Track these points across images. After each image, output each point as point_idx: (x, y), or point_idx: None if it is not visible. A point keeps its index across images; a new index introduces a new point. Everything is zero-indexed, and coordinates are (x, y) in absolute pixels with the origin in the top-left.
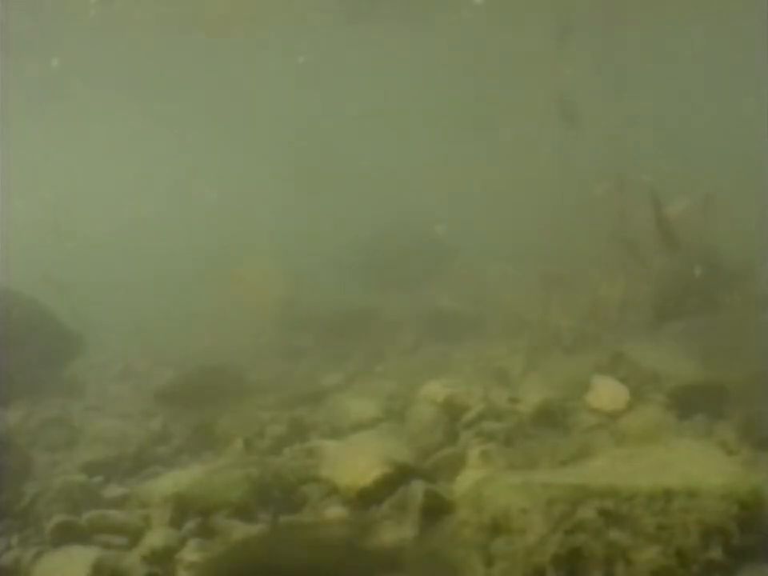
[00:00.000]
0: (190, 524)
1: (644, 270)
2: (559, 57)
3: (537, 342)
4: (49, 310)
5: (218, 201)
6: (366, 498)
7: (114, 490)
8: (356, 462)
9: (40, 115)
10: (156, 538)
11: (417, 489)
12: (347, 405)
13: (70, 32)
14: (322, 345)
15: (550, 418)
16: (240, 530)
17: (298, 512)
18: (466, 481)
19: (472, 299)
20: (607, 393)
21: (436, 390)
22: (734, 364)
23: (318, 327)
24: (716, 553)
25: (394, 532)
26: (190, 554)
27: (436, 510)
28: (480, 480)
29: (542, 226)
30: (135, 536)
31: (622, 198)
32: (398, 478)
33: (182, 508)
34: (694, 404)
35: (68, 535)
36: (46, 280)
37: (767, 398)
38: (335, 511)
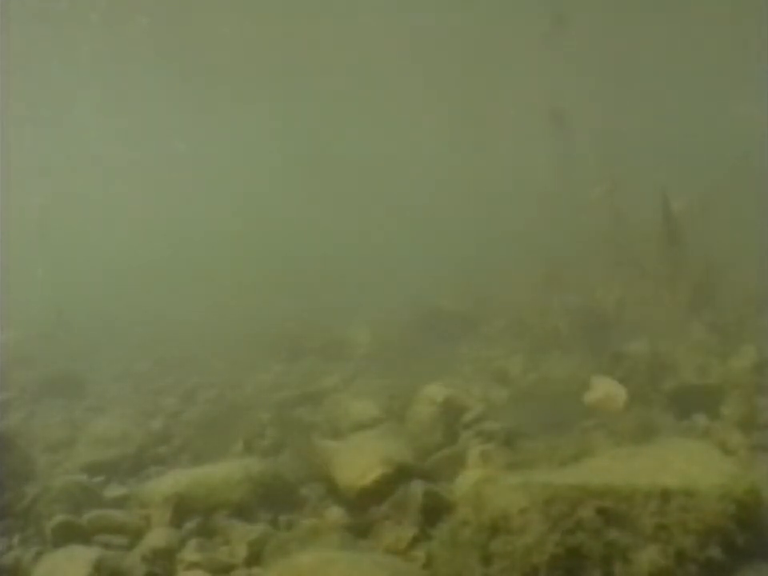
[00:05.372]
0: (191, 524)
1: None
2: (552, 45)
3: (536, 343)
4: None
5: None
6: (366, 498)
7: (114, 490)
8: (356, 462)
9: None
10: (156, 537)
11: (417, 489)
12: (347, 405)
13: None
14: None
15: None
16: (240, 530)
17: (298, 512)
18: (465, 481)
19: (472, 299)
20: (606, 393)
21: (436, 390)
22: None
23: None
24: (715, 552)
25: (394, 532)
26: (191, 554)
27: (436, 510)
28: (480, 480)
29: (541, 227)
30: (136, 536)
31: (616, 200)
32: (397, 478)
33: (183, 508)
34: (692, 404)
35: (69, 535)
36: None
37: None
38: (335, 511)
